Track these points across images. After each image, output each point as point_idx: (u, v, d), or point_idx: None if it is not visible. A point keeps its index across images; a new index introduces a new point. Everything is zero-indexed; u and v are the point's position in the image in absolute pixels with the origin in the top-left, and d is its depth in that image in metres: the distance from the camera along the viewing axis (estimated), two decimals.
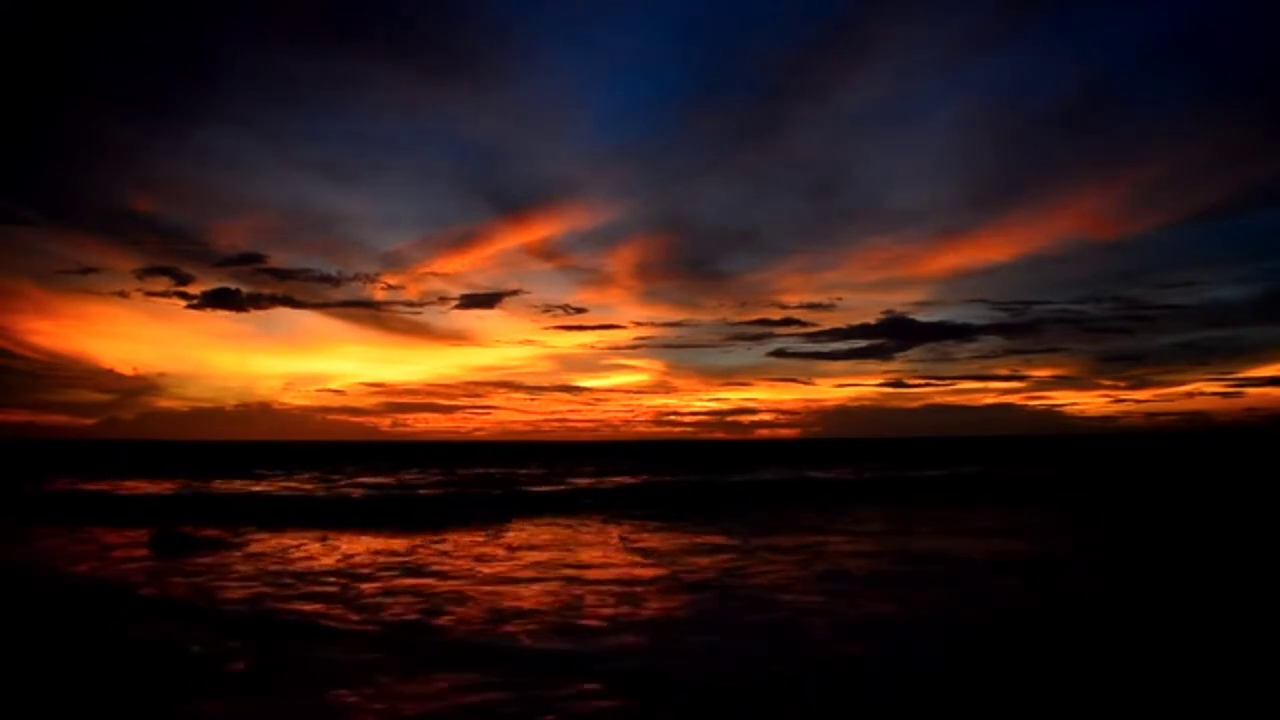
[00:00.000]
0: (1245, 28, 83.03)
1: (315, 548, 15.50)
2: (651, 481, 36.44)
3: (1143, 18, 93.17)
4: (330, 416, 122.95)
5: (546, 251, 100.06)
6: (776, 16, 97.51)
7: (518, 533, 17.95)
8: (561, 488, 32.92)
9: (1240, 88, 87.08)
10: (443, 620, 9.08)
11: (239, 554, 14.56)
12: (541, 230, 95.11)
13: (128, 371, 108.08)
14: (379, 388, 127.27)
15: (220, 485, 32.84)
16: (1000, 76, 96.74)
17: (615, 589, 10.82)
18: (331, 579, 11.77)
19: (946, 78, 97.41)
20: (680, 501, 27.39)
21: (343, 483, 35.11)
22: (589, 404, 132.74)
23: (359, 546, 15.65)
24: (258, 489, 31.55)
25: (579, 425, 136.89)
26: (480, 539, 16.78)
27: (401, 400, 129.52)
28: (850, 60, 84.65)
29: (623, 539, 16.76)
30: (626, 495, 29.65)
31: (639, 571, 12.38)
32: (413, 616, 9.25)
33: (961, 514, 21.99)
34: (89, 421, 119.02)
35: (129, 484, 32.80)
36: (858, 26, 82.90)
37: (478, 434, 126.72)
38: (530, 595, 10.46)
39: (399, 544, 15.91)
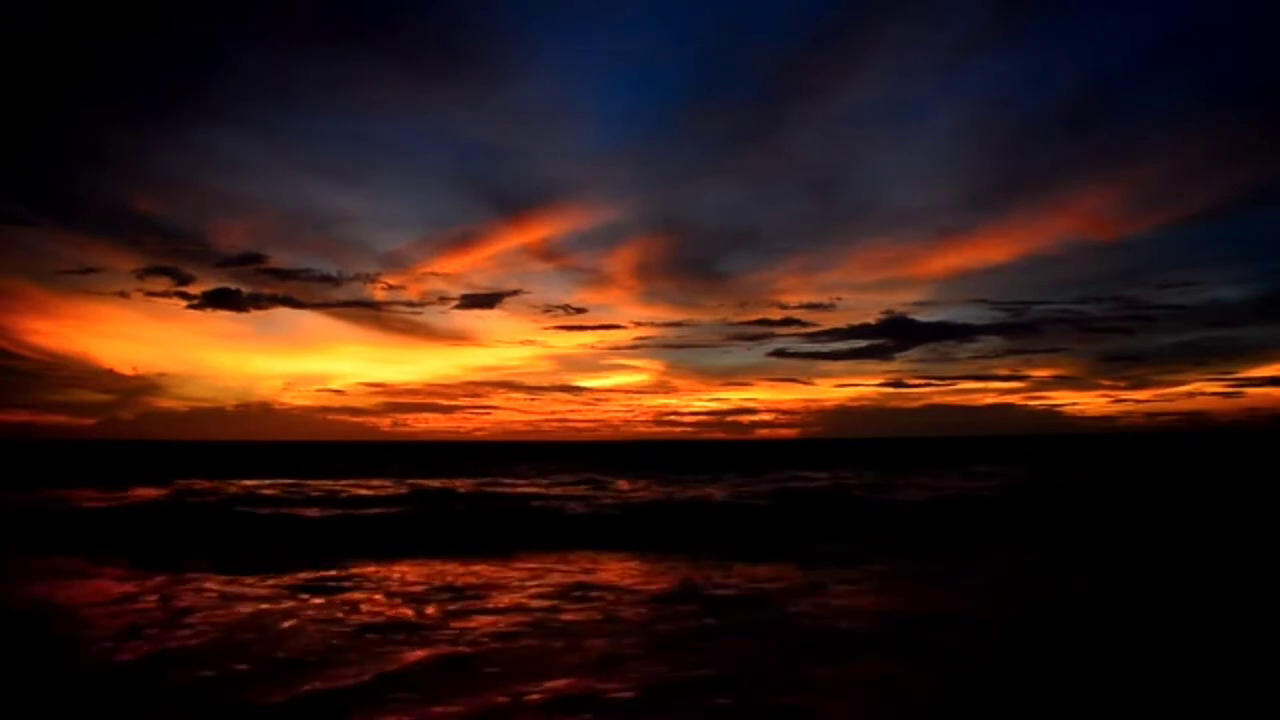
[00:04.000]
0: (1245, 28, 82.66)
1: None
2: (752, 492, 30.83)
3: (1141, 18, 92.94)
4: (330, 416, 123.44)
5: (546, 252, 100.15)
6: (776, 16, 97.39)
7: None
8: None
9: (1239, 88, 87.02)
10: None
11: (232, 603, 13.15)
12: (541, 230, 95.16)
13: (128, 371, 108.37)
14: (379, 388, 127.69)
15: (203, 487, 32.32)
16: (1000, 77, 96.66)
17: None
18: None
19: (946, 78, 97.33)
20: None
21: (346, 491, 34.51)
22: (589, 404, 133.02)
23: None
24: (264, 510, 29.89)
25: (579, 425, 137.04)
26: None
27: (401, 400, 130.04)
28: (850, 60, 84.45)
29: None
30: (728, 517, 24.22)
31: None
32: None
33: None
34: (89, 421, 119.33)
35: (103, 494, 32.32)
36: (857, 26, 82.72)
37: (478, 434, 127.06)
38: None
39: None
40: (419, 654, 8.83)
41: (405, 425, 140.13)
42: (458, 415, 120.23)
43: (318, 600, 11.93)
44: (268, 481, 39.02)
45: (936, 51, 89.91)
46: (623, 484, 38.10)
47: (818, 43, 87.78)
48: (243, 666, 8.35)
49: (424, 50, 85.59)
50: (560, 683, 7.73)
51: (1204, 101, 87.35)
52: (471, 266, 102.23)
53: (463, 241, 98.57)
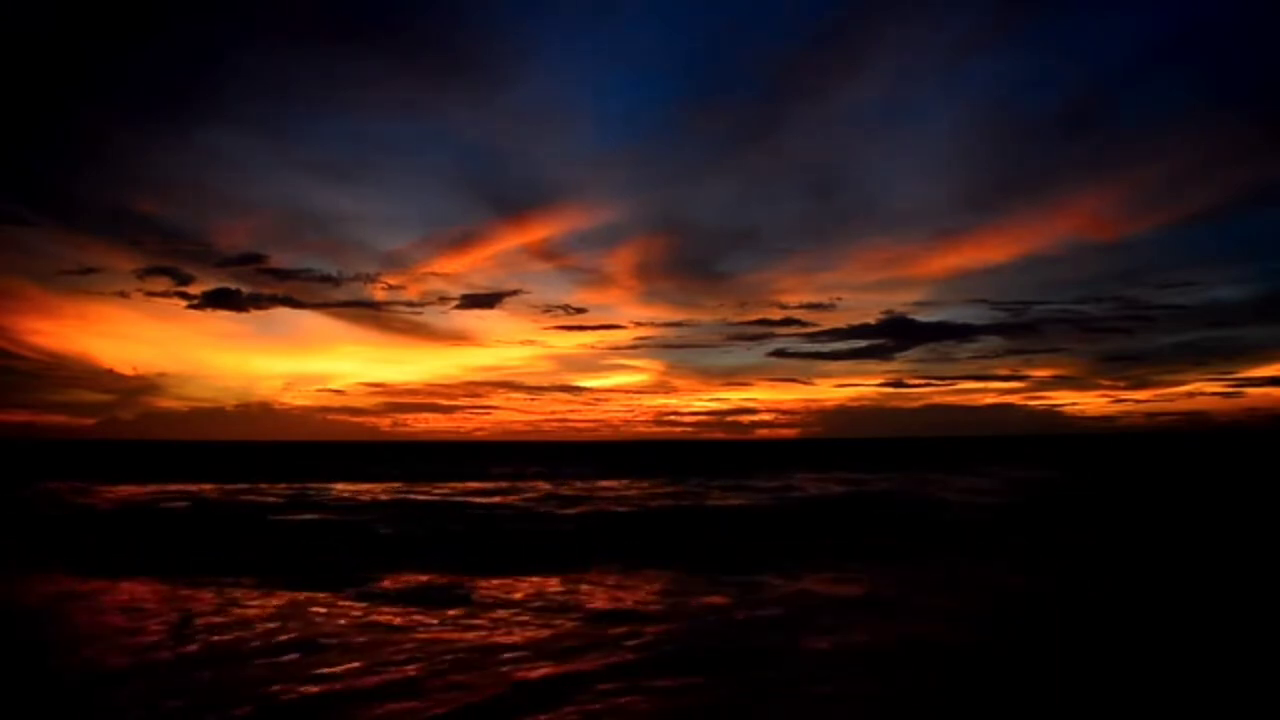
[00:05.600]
0: (1244, 30, 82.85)
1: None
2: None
3: (1141, 18, 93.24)
4: (330, 416, 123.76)
5: (546, 252, 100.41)
6: (776, 16, 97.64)
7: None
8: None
9: (1239, 89, 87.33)
10: None
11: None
12: (541, 231, 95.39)
13: (128, 371, 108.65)
14: (379, 388, 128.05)
15: (202, 489, 32.41)
16: (1000, 77, 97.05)
17: None
18: None
19: (946, 78, 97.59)
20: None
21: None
22: (589, 404, 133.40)
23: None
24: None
25: (579, 425, 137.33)
26: None
27: (401, 400, 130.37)
28: (850, 60, 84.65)
29: None
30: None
31: None
32: None
33: None
34: (89, 421, 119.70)
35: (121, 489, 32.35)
36: (857, 26, 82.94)
37: (478, 434, 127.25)
38: None
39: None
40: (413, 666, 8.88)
41: (405, 425, 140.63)
42: (458, 415, 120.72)
43: (317, 609, 11.94)
44: (267, 484, 39.04)
45: (936, 51, 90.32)
46: (624, 488, 38.12)
47: (818, 43, 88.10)
48: (247, 666, 8.43)
49: (424, 50, 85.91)
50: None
51: (1204, 101, 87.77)
52: (471, 266, 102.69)
53: (463, 241, 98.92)
